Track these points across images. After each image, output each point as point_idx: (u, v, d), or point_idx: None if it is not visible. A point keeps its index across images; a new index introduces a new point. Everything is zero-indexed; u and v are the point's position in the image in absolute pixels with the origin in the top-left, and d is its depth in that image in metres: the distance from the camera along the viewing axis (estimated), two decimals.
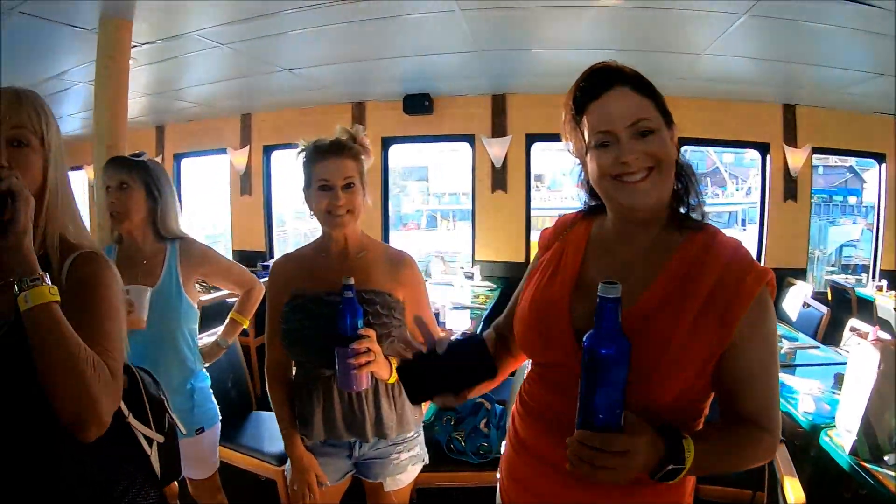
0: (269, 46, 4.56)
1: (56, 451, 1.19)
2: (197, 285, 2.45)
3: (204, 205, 9.27)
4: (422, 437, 2.10)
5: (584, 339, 1.01)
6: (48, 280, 1.07)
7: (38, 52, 4.58)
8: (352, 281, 1.72)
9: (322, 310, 1.84)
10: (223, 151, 7.74)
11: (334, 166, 1.83)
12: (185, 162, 8.44)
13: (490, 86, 6.17)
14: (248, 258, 7.49)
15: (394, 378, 1.86)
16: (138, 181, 2.27)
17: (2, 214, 1.05)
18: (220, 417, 2.50)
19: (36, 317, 1.04)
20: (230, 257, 7.64)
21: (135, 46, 4.25)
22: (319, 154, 1.85)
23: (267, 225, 7.74)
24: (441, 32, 4.20)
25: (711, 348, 1.10)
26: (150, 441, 1.40)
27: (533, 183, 6.69)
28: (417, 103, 6.43)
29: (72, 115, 6.41)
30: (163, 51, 4.60)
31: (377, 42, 4.54)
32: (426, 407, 2.65)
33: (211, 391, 2.49)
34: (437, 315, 4.27)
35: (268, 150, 7.56)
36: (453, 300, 5.16)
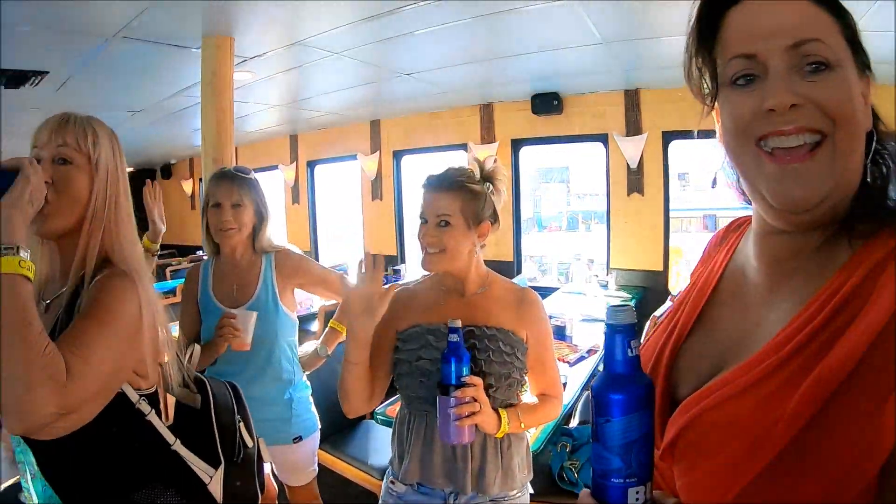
0: (387, 52, 4.53)
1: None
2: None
3: (337, 210, 9.56)
4: (527, 497, 1.86)
5: (593, 381, 0.73)
6: (24, 255, 1.06)
7: (151, 73, 4.87)
8: (458, 323, 1.57)
9: (440, 343, 1.68)
10: (354, 157, 7.94)
11: (430, 200, 1.72)
12: (317, 168, 8.81)
13: (621, 81, 5.74)
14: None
15: (502, 432, 1.68)
16: (250, 200, 2.31)
17: (5, 187, 1.10)
18: (320, 426, 2.51)
19: None
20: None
21: (243, 61, 4.41)
22: (426, 185, 1.76)
23: (398, 229, 7.80)
24: (563, 26, 3.95)
25: (859, 452, 0.58)
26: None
27: (677, 182, 6.16)
28: (546, 103, 6.15)
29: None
30: (281, 63, 4.72)
31: (499, 40, 4.38)
32: (535, 436, 2.47)
33: (311, 400, 2.50)
34: (563, 328, 4.06)
35: (397, 154, 7.63)
36: (584, 312, 4.78)
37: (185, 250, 10.06)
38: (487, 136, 6.77)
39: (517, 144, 6.74)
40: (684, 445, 0.74)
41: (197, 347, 2.02)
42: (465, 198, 1.70)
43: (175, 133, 8.02)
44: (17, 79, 4.56)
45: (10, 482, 4.05)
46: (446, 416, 1.56)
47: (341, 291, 2.51)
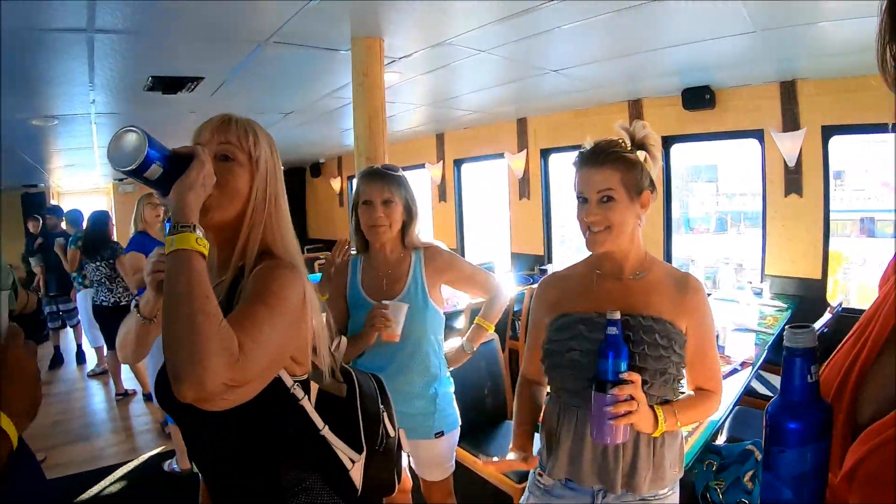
0: (532, 49, 4.46)
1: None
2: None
3: (484, 208, 9.63)
4: (676, 497, 1.76)
5: (768, 406, 0.69)
6: (199, 233, 1.12)
7: (302, 76, 5.07)
8: (617, 315, 1.50)
9: (592, 333, 1.62)
10: (501, 156, 7.95)
11: (587, 177, 1.64)
12: (464, 167, 8.91)
13: (777, 72, 5.26)
14: (525, 262, 7.60)
15: (659, 431, 1.59)
16: (400, 197, 2.36)
17: (181, 172, 1.17)
18: (461, 423, 2.53)
19: (174, 259, 1.09)
20: (509, 260, 7.89)
21: (392, 62, 4.50)
22: (578, 162, 1.68)
23: (545, 228, 7.74)
24: (714, 15, 3.71)
25: None
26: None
27: (832, 181, 5.57)
28: (697, 97, 5.80)
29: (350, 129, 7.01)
30: (428, 62, 4.76)
31: (645, 33, 4.20)
32: (688, 447, 2.35)
33: (454, 396, 2.52)
34: (716, 338, 3.85)
35: (545, 153, 7.56)
36: (737, 321, 4.46)
37: (333, 245, 10.43)
38: None
39: (668, 141, 6.40)
40: (864, 476, 0.67)
41: (344, 339, 2.09)
42: (623, 169, 1.62)
43: (324, 133, 8.40)
44: (174, 85, 4.91)
45: (156, 451, 4.42)
46: (601, 415, 1.49)
47: (488, 290, 2.52)
